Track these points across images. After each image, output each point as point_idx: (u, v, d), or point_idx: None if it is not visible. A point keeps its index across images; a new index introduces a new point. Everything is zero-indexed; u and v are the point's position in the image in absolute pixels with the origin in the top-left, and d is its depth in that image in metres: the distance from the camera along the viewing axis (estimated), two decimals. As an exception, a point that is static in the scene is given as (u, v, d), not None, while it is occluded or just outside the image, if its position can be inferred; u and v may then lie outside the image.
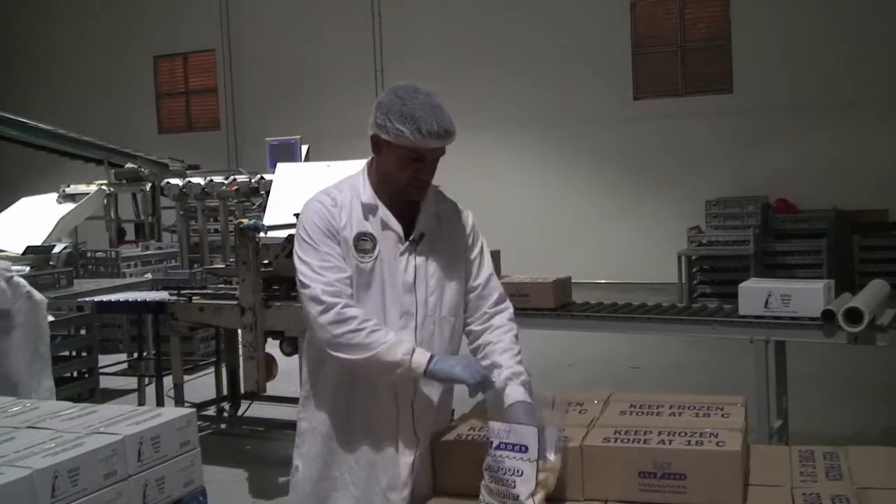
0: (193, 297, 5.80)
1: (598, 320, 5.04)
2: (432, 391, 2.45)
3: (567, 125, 13.69)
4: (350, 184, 2.42)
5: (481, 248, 2.49)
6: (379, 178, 2.39)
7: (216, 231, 8.75)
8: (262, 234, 5.08)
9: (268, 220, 5.47)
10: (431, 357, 2.25)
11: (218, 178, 7.34)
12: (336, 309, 2.26)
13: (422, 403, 2.43)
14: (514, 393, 2.31)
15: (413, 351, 2.24)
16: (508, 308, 2.52)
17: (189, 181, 7.34)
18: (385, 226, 2.37)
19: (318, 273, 2.29)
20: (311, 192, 2.46)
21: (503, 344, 2.43)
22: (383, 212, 2.37)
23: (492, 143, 14.18)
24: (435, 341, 2.36)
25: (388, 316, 2.33)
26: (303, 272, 2.31)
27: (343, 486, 2.44)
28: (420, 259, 2.37)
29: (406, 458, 2.40)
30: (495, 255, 4.95)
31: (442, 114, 2.30)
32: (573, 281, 5.34)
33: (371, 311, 2.28)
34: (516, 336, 2.46)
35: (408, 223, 2.38)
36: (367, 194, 2.38)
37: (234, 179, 7.16)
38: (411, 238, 2.37)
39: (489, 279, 2.48)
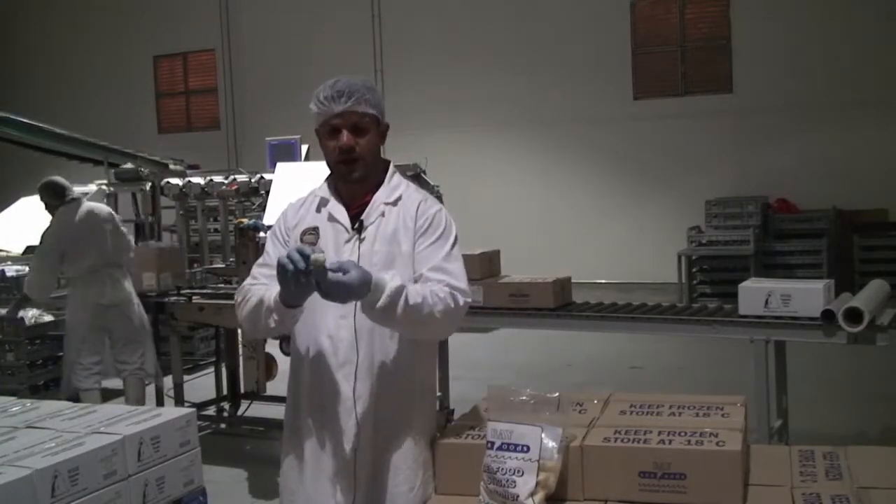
0: (193, 297, 5.84)
1: (598, 320, 5.01)
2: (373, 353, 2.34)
3: (567, 125, 13.70)
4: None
5: (437, 239, 2.37)
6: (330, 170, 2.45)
7: (216, 231, 8.73)
8: (261, 234, 5.08)
9: (268, 219, 5.47)
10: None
11: (218, 178, 7.35)
12: (240, 293, 2.40)
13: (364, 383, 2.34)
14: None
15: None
16: (443, 288, 2.31)
17: (189, 181, 7.35)
18: (331, 217, 2.40)
19: (253, 269, 2.46)
20: (308, 189, 2.54)
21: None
22: (332, 204, 2.41)
23: (492, 143, 14.23)
24: (377, 329, 2.31)
25: (327, 304, 2.24)
26: None
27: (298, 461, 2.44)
28: (365, 247, 2.35)
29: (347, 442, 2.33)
30: (494, 255, 5.27)
31: (342, 81, 2.34)
32: (573, 281, 5.33)
33: (312, 300, 2.22)
34: (438, 298, 2.27)
35: (362, 214, 2.40)
36: (323, 188, 2.46)
37: (234, 179, 7.16)
38: (354, 227, 2.37)
39: (435, 270, 2.33)
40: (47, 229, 5.81)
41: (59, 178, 5.90)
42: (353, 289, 2.09)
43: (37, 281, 5.80)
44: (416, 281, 2.32)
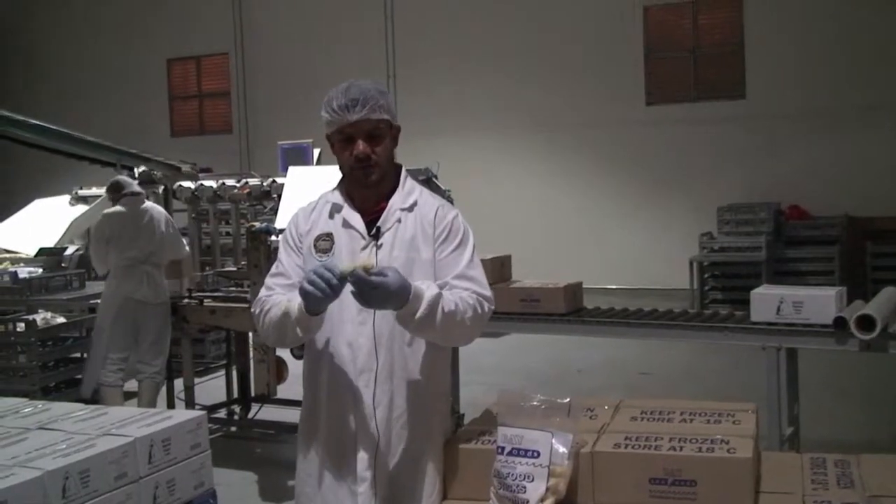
0: (205, 300, 5.86)
1: (609, 326, 4.99)
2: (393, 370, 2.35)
3: (579, 130, 13.69)
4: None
5: (458, 246, 2.38)
6: (343, 176, 2.44)
7: (228, 234, 8.70)
8: (273, 238, 5.08)
9: (279, 223, 5.48)
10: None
11: (230, 182, 7.36)
12: (257, 304, 2.39)
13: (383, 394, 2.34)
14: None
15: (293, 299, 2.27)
16: (470, 295, 2.33)
17: (201, 184, 7.36)
18: (346, 224, 2.38)
19: (267, 279, 2.44)
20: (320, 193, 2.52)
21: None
22: (347, 210, 2.39)
23: (503, 147, 14.22)
24: (396, 336, 2.31)
25: (344, 311, 2.30)
26: None
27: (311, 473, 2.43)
28: (383, 254, 2.33)
29: (364, 452, 2.33)
30: (506, 260, 5.44)
31: (354, 87, 2.32)
32: (584, 286, 5.33)
33: (329, 309, 2.24)
34: (468, 305, 2.29)
35: (377, 220, 2.39)
36: (335, 195, 2.43)
37: (246, 183, 7.17)
38: (371, 234, 2.35)
39: (460, 277, 2.35)
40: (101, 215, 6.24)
41: (121, 177, 6.35)
42: (393, 293, 2.11)
43: (92, 257, 6.27)
44: (440, 289, 2.31)
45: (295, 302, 2.23)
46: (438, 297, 2.20)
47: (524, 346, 8.51)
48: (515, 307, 5.08)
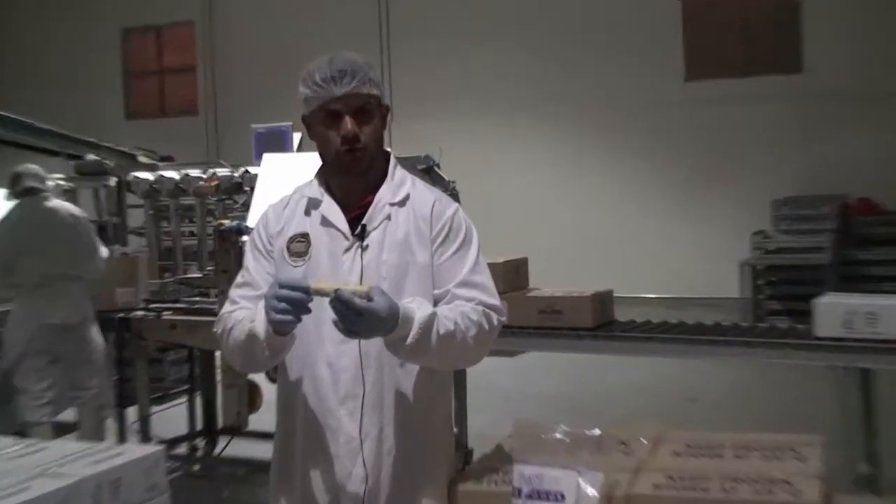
0: (164, 313, 5.80)
1: (645, 342, 4.90)
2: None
3: (605, 111, 13.68)
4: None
5: (460, 247, 2.38)
6: (324, 164, 2.44)
7: (192, 234, 8.62)
8: (245, 238, 5.02)
9: (252, 220, 5.31)
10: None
11: (195, 172, 7.18)
12: (219, 322, 2.41)
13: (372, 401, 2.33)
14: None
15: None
16: (474, 307, 2.34)
17: (161, 175, 7.22)
18: (326, 221, 2.38)
19: (231, 291, 2.46)
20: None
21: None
22: (326, 205, 2.39)
23: (516, 132, 14.21)
24: (386, 354, 2.28)
25: (323, 326, 2.26)
26: None
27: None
28: (369, 257, 2.32)
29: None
30: (521, 264, 5.34)
31: (339, 58, 2.34)
32: (615, 295, 5.25)
33: (304, 324, 2.21)
34: (470, 321, 2.29)
35: (362, 217, 2.39)
36: (312, 187, 2.44)
37: (214, 173, 7.00)
38: (355, 233, 2.34)
39: (463, 285, 2.35)
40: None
41: (24, 167, 5.93)
42: (382, 320, 2.10)
43: None
44: (440, 300, 2.33)
45: (260, 318, 2.22)
46: (432, 317, 2.20)
47: (544, 367, 8.44)
48: (533, 320, 5.00)
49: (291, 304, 2.10)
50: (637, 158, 13.65)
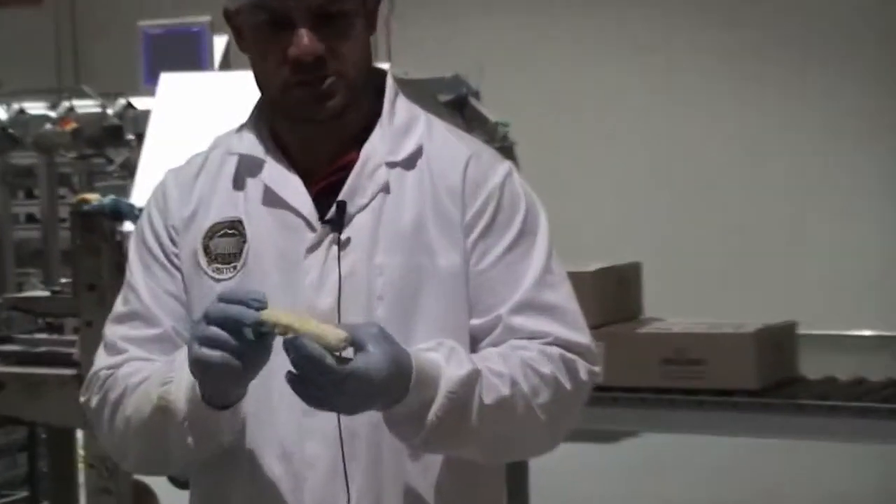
0: None
1: (855, 418, 3.92)
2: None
3: (793, 43, 9.43)
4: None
5: (517, 241, 1.81)
6: (264, 99, 1.88)
7: (33, 220, 7.35)
8: (127, 226, 4.01)
9: (140, 196, 4.16)
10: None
11: (37, 108, 6.26)
12: (93, 385, 1.91)
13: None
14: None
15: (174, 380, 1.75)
16: (548, 349, 1.79)
17: None
18: (273, 198, 1.82)
19: (108, 329, 1.94)
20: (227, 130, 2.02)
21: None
22: (273, 170, 1.83)
23: (624, 42, 10.06)
24: (384, 439, 1.74)
25: (272, 390, 1.72)
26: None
27: None
28: (353, 262, 1.78)
29: None
30: (628, 274, 4.68)
31: None
32: (798, 332, 4.24)
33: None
34: (541, 378, 1.75)
35: (336, 190, 1.86)
36: (248, 138, 1.88)
37: (71, 109, 5.96)
38: (326, 217, 1.78)
39: (525, 308, 1.79)
40: None
41: None
42: (376, 388, 1.59)
43: None
44: (482, 335, 1.80)
45: (181, 384, 1.72)
46: (472, 378, 1.67)
47: (669, 460, 6.60)
48: (652, 376, 4.10)
49: (234, 336, 1.55)
50: (848, 96, 9.28)
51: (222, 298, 1.60)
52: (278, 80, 1.79)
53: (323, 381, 1.55)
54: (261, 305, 1.55)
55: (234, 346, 1.54)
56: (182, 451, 1.75)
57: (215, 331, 1.56)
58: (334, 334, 1.53)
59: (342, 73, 1.78)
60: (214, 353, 1.55)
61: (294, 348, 1.53)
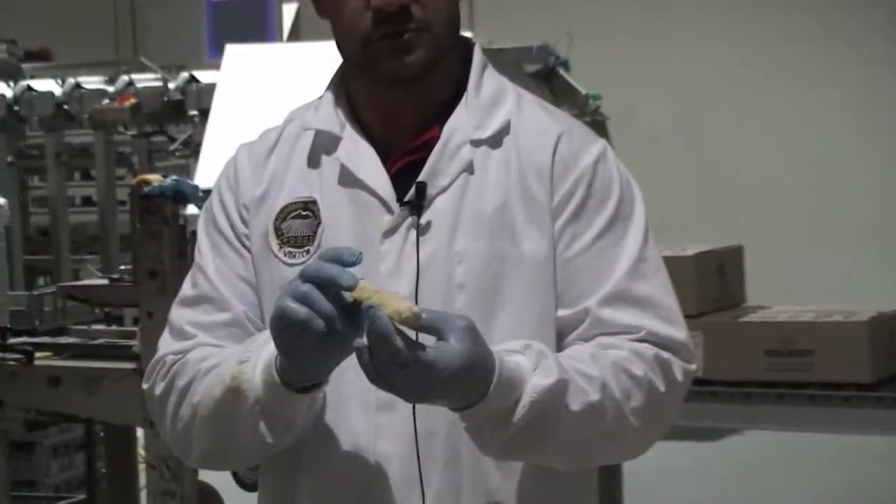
0: (35, 355, 4.43)
1: None
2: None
3: None
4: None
5: (609, 226, 1.76)
6: (345, 64, 1.84)
7: (90, 202, 7.27)
8: (193, 211, 4.01)
9: (206, 177, 4.31)
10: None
11: (93, 82, 6.28)
12: (156, 371, 1.85)
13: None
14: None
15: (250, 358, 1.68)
16: (640, 347, 1.74)
17: (28, 88, 6.19)
18: (349, 178, 1.77)
19: (174, 314, 1.89)
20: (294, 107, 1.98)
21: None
22: (351, 146, 1.78)
23: (735, 13, 9.46)
24: (463, 438, 1.67)
25: (343, 376, 1.66)
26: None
27: None
28: (431, 248, 1.73)
29: None
30: (730, 259, 4.60)
31: None
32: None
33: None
34: (632, 379, 1.69)
35: (417, 168, 1.80)
36: (324, 112, 1.83)
37: (130, 84, 5.92)
38: (405, 199, 1.74)
39: (617, 301, 1.75)
40: None
41: None
42: (445, 382, 1.53)
43: None
44: (569, 329, 1.74)
45: (257, 363, 1.65)
46: (560, 387, 1.61)
47: (777, 458, 6.45)
48: (756, 369, 4.01)
49: (319, 313, 1.49)
50: None
51: (322, 256, 1.57)
52: (359, 33, 1.74)
53: (387, 358, 1.52)
54: (357, 261, 1.53)
55: (325, 307, 1.48)
56: (252, 439, 1.70)
57: (309, 287, 1.52)
58: (407, 307, 1.50)
59: (427, 27, 1.74)
60: (301, 309, 1.49)
61: (369, 318, 1.50)
